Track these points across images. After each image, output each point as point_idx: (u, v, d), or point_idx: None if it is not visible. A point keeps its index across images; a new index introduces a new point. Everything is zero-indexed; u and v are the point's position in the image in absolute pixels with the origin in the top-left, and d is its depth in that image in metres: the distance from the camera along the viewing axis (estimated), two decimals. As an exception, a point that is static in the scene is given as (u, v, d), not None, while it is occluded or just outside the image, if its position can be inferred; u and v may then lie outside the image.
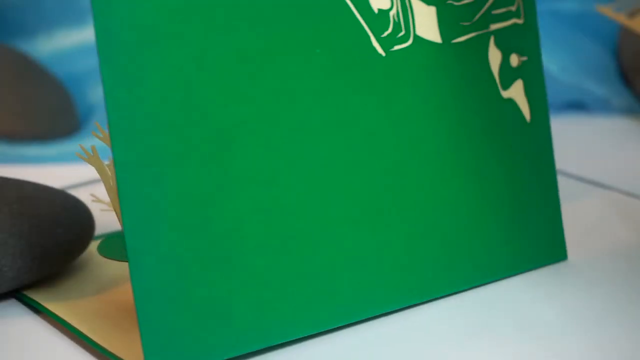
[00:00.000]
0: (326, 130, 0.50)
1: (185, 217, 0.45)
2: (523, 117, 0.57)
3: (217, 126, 0.46)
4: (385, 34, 0.51)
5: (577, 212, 0.66)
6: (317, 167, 0.50)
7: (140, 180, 0.44)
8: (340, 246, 0.51)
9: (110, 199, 0.51)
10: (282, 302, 0.49)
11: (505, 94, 0.56)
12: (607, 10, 0.88)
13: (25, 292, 0.56)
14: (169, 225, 0.44)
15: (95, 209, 0.63)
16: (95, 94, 0.98)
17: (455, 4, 0.53)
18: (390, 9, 0.51)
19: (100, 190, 0.76)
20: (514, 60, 0.56)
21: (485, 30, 0.55)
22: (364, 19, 0.51)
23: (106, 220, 0.63)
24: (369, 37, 0.51)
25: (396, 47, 0.52)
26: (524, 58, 0.57)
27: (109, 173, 0.51)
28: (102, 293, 0.57)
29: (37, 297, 0.56)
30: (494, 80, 0.56)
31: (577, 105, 0.96)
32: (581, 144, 0.60)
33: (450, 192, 0.54)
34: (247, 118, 0.47)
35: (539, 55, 0.58)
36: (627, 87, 0.99)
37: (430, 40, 0.53)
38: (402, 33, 0.52)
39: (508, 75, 0.56)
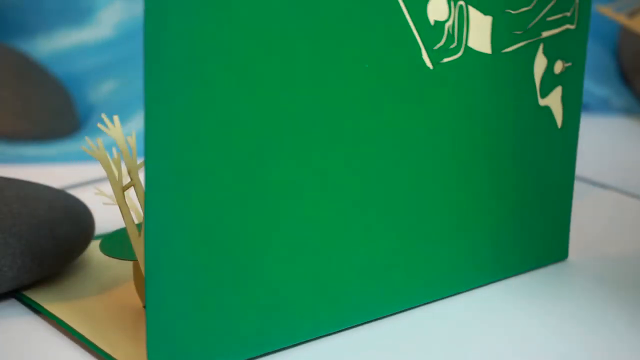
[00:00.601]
0: (361, 143, 0.49)
1: (207, 228, 0.45)
2: (555, 123, 0.56)
3: (254, 143, 0.46)
4: (437, 46, 0.50)
5: (577, 211, 0.66)
6: (348, 181, 0.49)
7: (168, 190, 0.44)
8: (355, 257, 0.51)
9: (114, 192, 0.51)
10: (291, 309, 0.49)
11: (542, 101, 0.55)
12: (607, 10, 0.88)
13: (25, 292, 0.56)
14: (190, 234, 0.44)
15: (95, 209, 0.63)
16: (95, 94, 0.99)
17: (513, 12, 0.52)
18: (447, 20, 0.50)
19: (102, 188, 0.76)
20: (558, 66, 0.55)
21: (536, 38, 0.53)
22: (418, 31, 0.49)
23: (106, 220, 0.63)
24: (420, 50, 0.50)
25: (445, 60, 0.51)
26: (569, 64, 0.56)
27: (114, 167, 0.51)
28: (102, 293, 0.57)
29: (37, 297, 0.56)
30: (535, 88, 0.55)
31: (577, 105, 0.96)
32: (581, 144, 0.60)
33: (470, 198, 0.54)
34: (285, 135, 0.46)
35: (583, 60, 0.56)
36: (627, 87, 0.99)
37: (480, 51, 0.52)
38: (454, 45, 0.51)
39: (549, 82, 0.55)
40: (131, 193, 0.57)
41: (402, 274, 0.53)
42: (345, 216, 0.50)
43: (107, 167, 0.51)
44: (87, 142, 0.52)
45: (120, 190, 0.51)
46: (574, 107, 0.57)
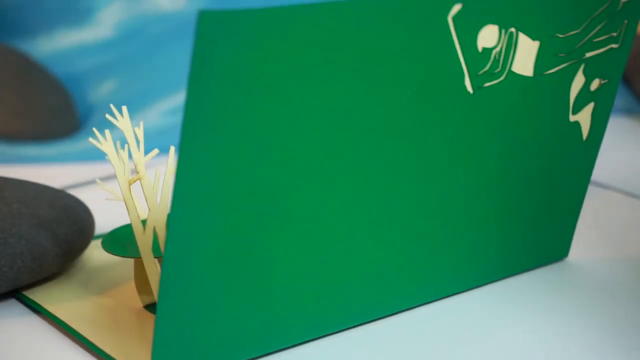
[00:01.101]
0: (388, 167, 0.49)
1: (225, 245, 0.46)
2: (581, 136, 0.56)
3: (286, 170, 0.46)
4: (481, 72, 0.50)
5: (577, 212, 0.66)
6: (369, 200, 0.49)
7: (194, 210, 0.44)
8: (363, 265, 0.51)
9: (121, 186, 0.51)
10: (297, 319, 0.50)
11: (573, 117, 0.55)
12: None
13: (25, 292, 0.56)
14: (208, 250, 0.45)
15: (95, 209, 0.63)
16: (95, 94, 0.99)
17: (561, 36, 0.51)
18: (495, 47, 0.50)
19: (100, 191, 0.76)
20: (595, 84, 0.55)
21: (579, 59, 0.53)
22: (464, 58, 0.49)
23: (106, 220, 0.63)
24: (463, 76, 0.49)
25: (486, 84, 0.50)
26: (605, 81, 0.55)
27: (122, 160, 0.51)
28: (102, 293, 0.57)
29: (37, 297, 0.56)
30: (568, 105, 0.54)
31: (577, 105, 0.96)
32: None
33: (485, 204, 0.54)
34: (316, 162, 0.46)
35: (619, 76, 0.56)
36: (627, 87, 0.99)
37: (522, 74, 0.51)
38: (498, 69, 0.50)
39: (583, 99, 0.55)
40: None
41: (408, 275, 0.53)
42: (360, 230, 0.50)
43: (114, 160, 0.51)
44: (95, 134, 0.52)
45: (126, 184, 0.51)
46: (601, 121, 0.56)
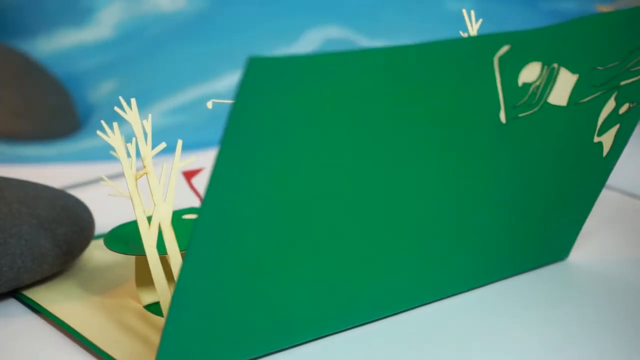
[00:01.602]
0: (411, 185, 0.49)
1: (240, 264, 0.46)
2: (601, 154, 0.56)
3: (312, 204, 0.46)
4: (518, 104, 0.50)
5: (577, 212, 0.66)
6: (390, 221, 0.50)
7: (214, 235, 0.44)
8: (372, 272, 0.51)
9: (127, 181, 0.50)
10: (304, 328, 0.50)
11: (597, 139, 0.55)
12: (607, 10, 0.88)
13: (24, 292, 0.56)
14: (223, 266, 0.45)
15: (95, 209, 0.63)
16: (95, 94, 0.99)
17: (600, 68, 0.51)
18: (535, 81, 0.49)
19: (100, 191, 0.76)
20: (624, 108, 0.54)
21: (613, 88, 0.53)
22: (504, 92, 0.49)
23: (106, 220, 0.63)
24: (499, 108, 0.49)
25: (520, 115, 0.50)
26: (634, 104, 0.55)
27: (129, 153, 0.50)
28: (102, 293, 0.57)
29: (37, 297, 0.56)
30: (595, 128, 0.54)
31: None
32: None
33: (499, 214, 0.54)
34: (342, 189, 0.47)
35: None
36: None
37: (557, 104, 0.51)
38: (534, 101, 0.50)
39: (610, 122, 0.55)
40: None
41: (413, 278, 0.53)
42: (375, 240, 0.50)
43: (121, 154, 0.51)
44: (102, 126, 0.52)
45: (133, 179, 0.50)
46: (623, 139, 0.56)
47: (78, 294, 0.56)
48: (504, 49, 0.47)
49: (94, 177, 0.79)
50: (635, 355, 0.50)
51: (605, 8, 0.88)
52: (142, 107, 0.83)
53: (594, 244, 0.62)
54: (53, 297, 0.56)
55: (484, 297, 0.56)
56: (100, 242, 0.63)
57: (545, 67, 0.49)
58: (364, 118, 0.45)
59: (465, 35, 0.56)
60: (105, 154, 0.85)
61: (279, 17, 1.04)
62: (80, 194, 0.68)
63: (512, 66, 0.48)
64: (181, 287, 0.44)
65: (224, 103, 0.53)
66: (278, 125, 0.42)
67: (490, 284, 0.57)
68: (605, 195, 0.71)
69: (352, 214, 0.48)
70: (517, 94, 0.49)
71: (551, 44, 0.48)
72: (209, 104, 0.52)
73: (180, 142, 0.51)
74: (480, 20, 0.56)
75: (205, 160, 0.72)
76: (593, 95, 0.52)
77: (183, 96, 0.96)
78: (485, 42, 0.46)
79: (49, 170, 0.82)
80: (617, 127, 0.55)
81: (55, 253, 0.57)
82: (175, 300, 0.44)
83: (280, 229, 0.46)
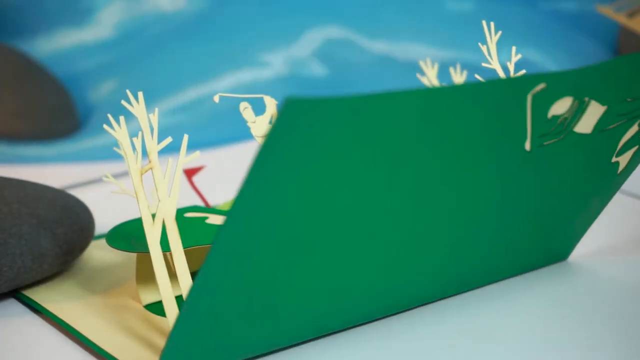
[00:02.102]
0: (434, 204, 0.49)
1: (253, 284, 0.46)
2: (616, 172, 0.56)
3: (335, 234, 0.47)
4: (544, 134, 0.50)
5: (577, 212, 0.66)
6: (410, 237, 0.50)
7: (229, 261, 0.44)
8: (385, 282, 0.51)
9: (132, 176, 0.49)
10: (307, 329, 0.50)
11: (615, 159, 0.55)
12: (607, 10, 0.88)
13: (24, 292, 0.56)
14: (237, 285, 0.46)
15: (95, 209, 0.63)
16: (95, 94, 0.99)
17: (629, 100, 0.51)
18: (564, 114, 0.49)
19: (100, 191, 0.76)
20: None
21: (638, 116, 0.52)
22: (533, 124, 0.49)
23: (106, 220, 0.63)
24: (525, 138, 0.49)
25: (545, 143, 0.50)
26: None
27: (134, 149, 0.50)
28: (102, 293, 0.57)
29: (37, 297, 0.56)
30: (615, 150, 0.54)
31: (577, 105, 0.96)
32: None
33: (508, 222, 0.54)
34: (367, 215, 0.47)
35: None
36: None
37: (581, 132, 0.51)
38: (561, 131, 0.50)
39: (630, 144, 0.54)
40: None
41: (417, 282, 0.53)
42: (387, 257, 0.50)
43: (127, 148, 0.50)
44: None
45: (138, 174, 0.50)
46: (638, 158, 0.56)
47: (78, 294, 0.56)
48: (539, 87, 0.47)
49: (94, 177, 0.79)
50: (635, 356, 0.50)
51: (605, 8, 0.88)
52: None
53: (594, 244, 0.62)
54: (53, 297, 0.56)
55: (483, 297, 0.56)
56: (100, 242, 0.63)
57: (576, 101, 0.49)
58: (393, 154, 0.45)
59: (483, 47, 0.56)
60: (105, 153, 0.85)
61: (279, 17, 1.04)
62: (80, 194, 0.68)
63: (544, 101, 0.48)
64: (193, 297, 0.44)
65: (230, 97, 0.54)
66: (307, 162, 0.42)
67: (490, 284, 0.57)
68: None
69: (372, 241, 0.48)
70: (545, 125, 0.49)
71: (586, 82, 0.48)
72: (216, 98, 0.52)
73: (186, 137, 0.50)
74: (500, 32, 0.56)
75: (206, 159, 0.73)
76: (618, 123, 0.52)
77: (183, 96, 0.96)
78: (522, 83, 0.46)
79: (49, 170, 0.82)
80: (635, 148, 0.55)
81: (55, 253, 0.57)
82: (185, 308, 0.44)
83: (297, 253, 0.46)
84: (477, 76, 0.56)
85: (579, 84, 0.48)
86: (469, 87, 0.45)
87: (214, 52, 1.00)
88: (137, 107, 0.50)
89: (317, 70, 1.00)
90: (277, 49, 1.00)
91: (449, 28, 1.03)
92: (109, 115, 0.51)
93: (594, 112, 0.50)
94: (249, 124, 0.53)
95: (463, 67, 0.64)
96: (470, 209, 0.51)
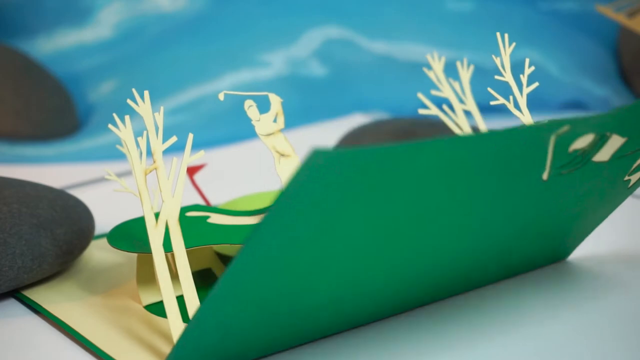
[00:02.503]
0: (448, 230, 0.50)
1: (265, 303, 0.47)
2: (627, 186, 0.56)
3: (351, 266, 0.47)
4: (563, 165, 0.50)
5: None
6: (423, 265, 0.51)
7: (239, 287, 0.44)
8: (396, 292, 0.52)
9: (136, 175, 0.49)
10: (313, 332, 0.51)
11: (627, 177, 0.55)
12: (607, 10, 0.88)
13: (24, 292, 0.56)
14: (250, 300, 0.46)
15: (95, 209, 0.63)
16: (95, 94, 0.99)
17: None
18: (585, 147, 0.49)
19: (100, 191, 0.76)
20: None
21: None
22: (553, 158, 0.49)
23: (106, 220, 0.63)
24: (544, 170, 0.49)
25: (562, 172, 0.50)
26: None
27: (139, 149, 0.50)
28: (102, 293, 0.57)
29: (37, 297, 0.56)
30: (628, 171, 0.54)
31: (577, 105, 0.96)
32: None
33: (515, 234, 0.55)
34: (382, 243, 0.47)
35: None
36: (627, 87, 0.99)
37: (599, 161, 0.51)
38: (579, 161, 0.50)
39: None
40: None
41: (419, 287, 0.53)
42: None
43: (131, 147, 0.50)
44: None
45: (142, 173, 0.49)
46: None
47: (78, 294, 0.56)
48: (564, 129, 0.47)
49: (94, 177, 0.79)
50: (635, 356, 0.50)
51: (605, 8, 0.88)
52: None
53: (594, 244, 0.62)
54: (53, 297, 0.56)
55: (483, 297, 0.56)
56: (100, 242, 0.63)
57: (598, 136, 0.49)
58: (414, 199, 0.46)
59: (497, 59, 0.56)
60: (105, 153, 0.85)
61: (279, 17, 1.04)
62: (80, 194, 0.68)
63: (567, 140, 0.48)
64: (204, 309, 0.44)
65: (230, 97, 0.53)
66: (327, 204, 0.43)
67: (489, 284, 0.57)
68: (605, 195, 0.72)
69: (381, 263, 0.49)
70: (565, 158, 0.49)
71: (610, 123, 0.49)
72: (221, 96, 0.52)
73: (191, 136, 0.50)
74: (514, 43, 0.56)
75: (206, 159, 0.73)
76: (636, 150, 0.52)
77: (183, 96, 0.96)
78: (547, 128, 0.47)
79: (49, 170, 0.82)
80: None
81: (55, 253, 0.57)
82: (195, 318, 0.45)
83: (311, 276, 0.46)
84: (497, 77, 0.56)
85: (603, 125, 0.48)
86: (494, 135, 0.45)
87: (214, 52, 1.00)
88: (143, 106, 0.50)
89: (317, 70, 1.00)
90: (277, 49, 1.00)
91: (449, 28, 1.04)
92: (114, 115, 0.50)
93: (614, 143, 0.50)
94: (253, 122, 0.53)
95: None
96: (480, 229, 0.51)
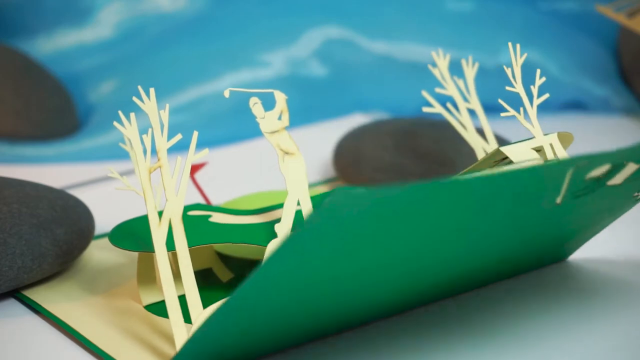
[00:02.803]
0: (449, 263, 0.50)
1: (275, 320, 0.47)
2: (635, 199, 0.56)
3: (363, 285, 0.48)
4: (577, 191, 0.50)
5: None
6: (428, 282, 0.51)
7: (250, 301, 0.45)
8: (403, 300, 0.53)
9: (140, 174, 0.48)
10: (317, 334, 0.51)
11: (637, 193, 0.55)
12: (607, 10, 0.88)
13: (24, 292, 0.56)
14: (261, 313, 0.46)
15: (95, 209, 0.63)
16: (95, 94, 0.99)
17: None
18: (601, 175, 0.49)
19: (100, 191, 0.76)
20: None
21: None
22: (570, 185, 0.49)
23: (106, 220, 0.63)
24: (558, 195, 0.49)
25: (576, 196, 0.50)
26: None
27: (143, 147, 0.49)
28: (102, 293, 0.57)
29: (37, 297, 0.56)
30: (638, 189, 0.54)
31: (577, 105, 0.96)
32: (581, 144, 0.60)
33: (525, 248, 0.55)
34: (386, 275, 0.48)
35: None
36: (627, 87, 0.99)
37: (612, 184, 0.51)
38: (594, 187, 0.50)
39: None
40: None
41: (421, 292, 0.54)
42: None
43: (136, 145, 0.49)
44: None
45: (146, 171, 0.49)
46: None
47: (78, 294, 0.56)
48: (582, 163, 0.47)
49: (94, 177, 0.79)
50: (635, 356, 0.50)
51: (605, 8, 0.88)
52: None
53: (594, 244, 0.62)
54: (53, 297, 0.56)
55: (482, 297, 0.56)
56: (100, 242, 0.63)
57: (615, 165, 0.49)
58: (431, 233, 0.46)
59: (508, 70, 0.56)
60: (105, 153, 0.85)
61: (279, 17, 1.04)
62: (80, 194, 0.68)
63: (584, 170, 0.48)
64: (215, 318, 0.44)
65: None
66: (346, 239, 0.43)
67: (490, 285, 0.57)
68: (605, 195, 0.71)
69: (389, 285, 0.50)
70: (580, 185, 0.49)
71: (629, 155, 0.49)
72: (226, 93, 0.52)
73: (195, 134, 0.50)
74: (525, 54, 0.55)
75: (206, 159, 0.73)
76: None
77: (183, 96, 0.96)
78: (566, 164, 0.47)
79: (49, 170, 0.82)
80: None
81: (55, 253, 0.57)
82: (204, 326, 0.45)
83: (323, 297, 0.47)
84: (508, 88, 0.56)
85: (621, 158, 0.49)
86: (512, 174, 0.45)
87: (214, 52, 1.00)
88: (149, 103, 0.50)
89: (317, 70, 1.00)
90: (277, 49, 1.00)
91: (449, 28, 1.03)
92: (120, 112, 0.50)
93: (628, 170, 0.50)
94: (258, 120, 0.53)
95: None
96: (488, 248, 0.52)
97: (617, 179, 0.51)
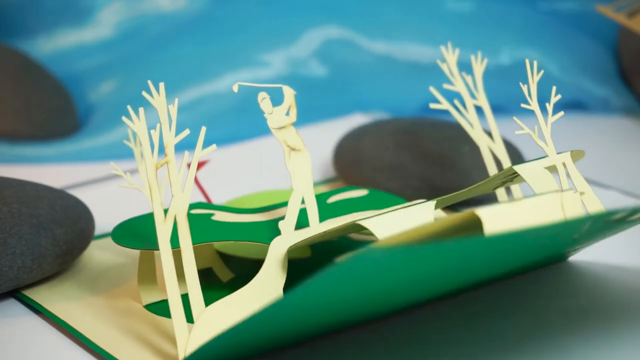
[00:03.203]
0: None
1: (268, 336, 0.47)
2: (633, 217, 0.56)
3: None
4: (594, 230, 0.50)
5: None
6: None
7: (252, 327, 0.45)
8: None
9: (147, 169, 0.48)
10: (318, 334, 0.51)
11: None
12: (607, 10, 0.88)
13: (24, 292, 0.56)
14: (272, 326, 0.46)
15: (95, 209, 0.63)
16: (95, 94, 0.99)
17: None
18: (619, 218, 0.50)
19: (100, 191, 0.76)
20: None
21: None
22: (589, 228, 0.49)
23: (106, 220, 0.63)
24: (576, 234, 0.50)
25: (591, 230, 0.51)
26: None
27: (150, 143, 0.49)
28: (102, 293, 0.57)
29: (37, 297, 0.56)
30: None
31: (577, 105, 0.96)
32: (581, 144, 0.60)
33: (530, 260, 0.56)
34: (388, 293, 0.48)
35: None
36: (627, 87, 0.99)
37: (616, 219, 0.51)
38: (610, 225, 0.51)
39: None
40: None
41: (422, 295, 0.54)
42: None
43: (144, 141, 0.49)
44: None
45: (153, 167, 0.48)
46: None
47: (78, 294, 0.56)
48: (587, 224, 0.48)
49: (94, 177, 0.79)
50: (635, 356, 0.50)
51: (605, 8, 0.88)
52: (142, 106, 0.84)
53: (594, 244, 0.62)
54: (53, 297, 0.56)
55: (482, 297, 0.56)
56: (100, 242, 0.63)
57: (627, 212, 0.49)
58: (449, 273, 0.47)
59: (524, 87, 0.55)
60: (105, 153, 0.85)
61: (279, 17, 1.04)
62: (80, 194, 0.68)
63: (599, 224, 0.49)
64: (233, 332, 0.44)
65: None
66: (368, 283, 0.44)
67: (490, 285, 0.57)
68: (604, 195, 0.71)
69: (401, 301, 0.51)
70: (598, 225, 0.50)
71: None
72: (235, 87, 0.52)
73: (204, 129, 0.50)
74: (542, 71, 0.55)
75: (207, 156, 0.72)
76: None
77: (183, 96, 0.96)
78: (588, 219, 0.47)
79: (49, 170, 0.82)
80: None
81: (55, 253, 0.57)
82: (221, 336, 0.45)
83: (335, 316, 0.48)
84: (523, 106, 0.55)
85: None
86: (534, 231, 0.45)
87: (213, 52, 1.00)
88: (158, 98, 0.49)
89: (317, 70, 1.00)
90: (277, 49, 1.00)
91: (449, 28, 1.03)
92: (129, 107, 0.50)
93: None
94: (266, 115, 0.52)
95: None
96: (491, 275, 0.53)
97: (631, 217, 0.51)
